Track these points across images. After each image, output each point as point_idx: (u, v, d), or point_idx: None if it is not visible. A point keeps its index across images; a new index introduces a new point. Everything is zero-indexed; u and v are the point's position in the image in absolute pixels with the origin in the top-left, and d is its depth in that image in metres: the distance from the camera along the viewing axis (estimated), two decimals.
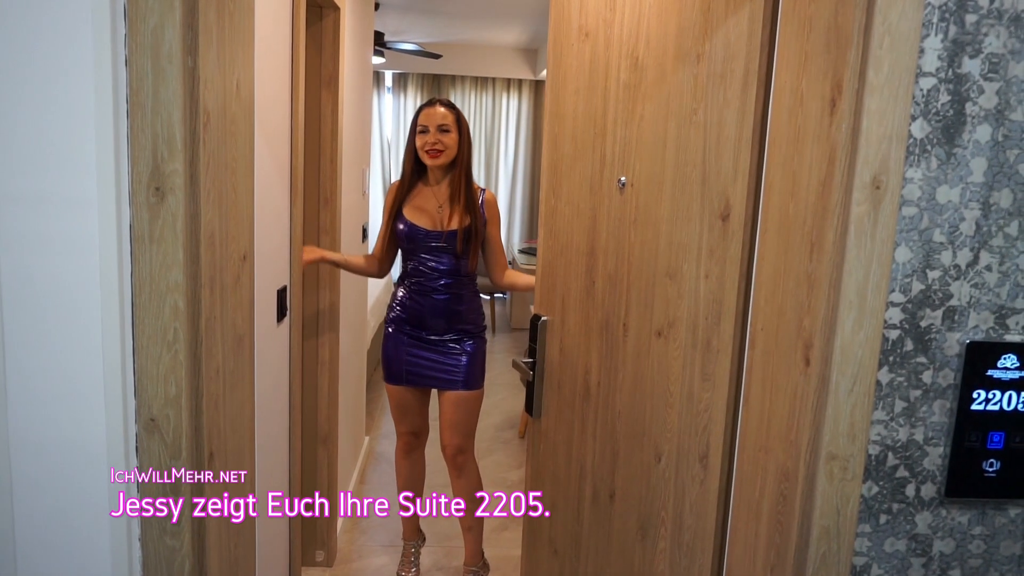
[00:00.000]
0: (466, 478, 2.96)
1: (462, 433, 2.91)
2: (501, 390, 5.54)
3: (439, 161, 2.77)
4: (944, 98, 0.91)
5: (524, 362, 2.02)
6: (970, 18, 0.90)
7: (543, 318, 1.95)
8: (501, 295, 8.48)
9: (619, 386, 1.58)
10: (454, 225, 2.78)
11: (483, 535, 3.12)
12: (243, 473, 1.36)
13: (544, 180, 1.98)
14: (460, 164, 2.82)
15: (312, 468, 3.06)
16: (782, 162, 1.07)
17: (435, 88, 8.39)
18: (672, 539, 1.39)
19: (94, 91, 1.00)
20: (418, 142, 2.78)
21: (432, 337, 2.86)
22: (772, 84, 1.12)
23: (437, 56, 6.35)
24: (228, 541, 1.28)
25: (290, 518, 2.45)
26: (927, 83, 0.91)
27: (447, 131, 2.76)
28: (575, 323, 1.79)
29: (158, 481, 1.10)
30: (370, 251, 3.11)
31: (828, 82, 0.94)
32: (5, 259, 1.04)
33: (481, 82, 8.43)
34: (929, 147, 0.91)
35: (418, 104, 8.32)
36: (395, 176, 8.40)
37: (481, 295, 3.20)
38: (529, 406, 2.03)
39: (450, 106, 2.82)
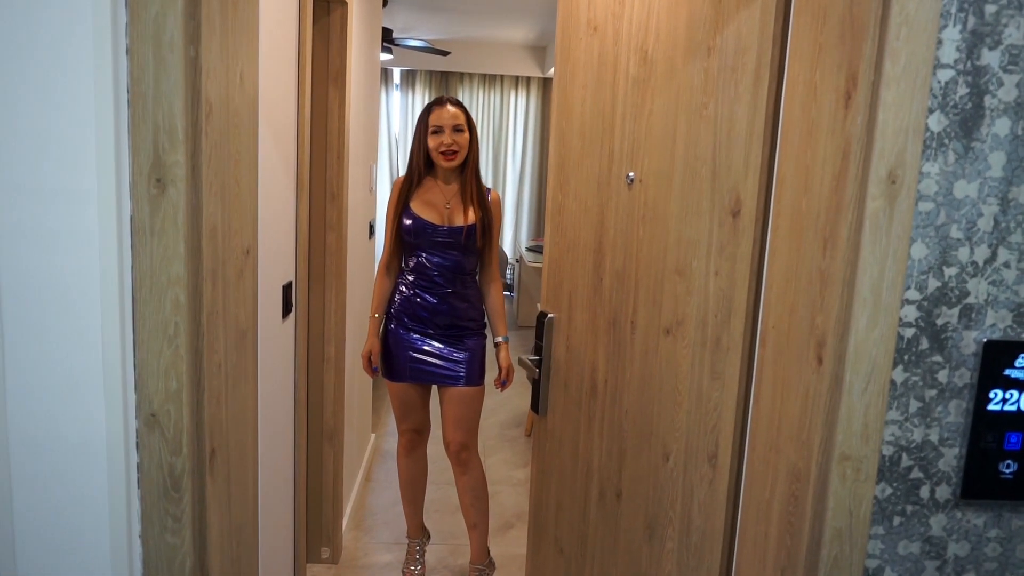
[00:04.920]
0: (470, 475, 2.94)
1: (465, 429, 2.90)
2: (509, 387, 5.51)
3: (455, 162, 2.76)
4: (962, 90, 0.89)
5: (530, 360, 2.01)
6: (989, 8, 0.87)
7: (549, 315, 1.93)
8: (508, 292, 8.46)
9: (626, 384, 1.56)
10: (460, 221, 2.77)
11: (488, 533, 3.11)
12: (246, 470, 1.35)
13: (551, 176, 1.96)
14: (471, 162, 2.81)
15: (318, 465, 3.05)
16: (795, 156, 1.05)
17: (443, 85, 8.37)
18: (680, 539, 1.37)
19: (94, 80, 0.98)
20: (431, 143, 2.76)
21: (433, 333, 2.84)
22: (784, 77, 1.10)
23: (445, 53, 6.33)
24: (230, 539, 1.27)
25: (295, 515, 2.44)
26: (945, 75, 0.88)
27: (461, 131, 2.75)
28: (582, 320, 1.78)
29: (158, 477, 1.09)
30: (378, 249, 3.10)
31: (843, 74, 0.92)
32: (4, 251, 1.02)
33: (489, 79, 8.42)
34: (947, 141, 0.89)
35: (426, 101, 8.32)
36: (403, 173, 8.37)
37: None
38: (535, 404, 2.01)
39: (459, 105, 2.80)
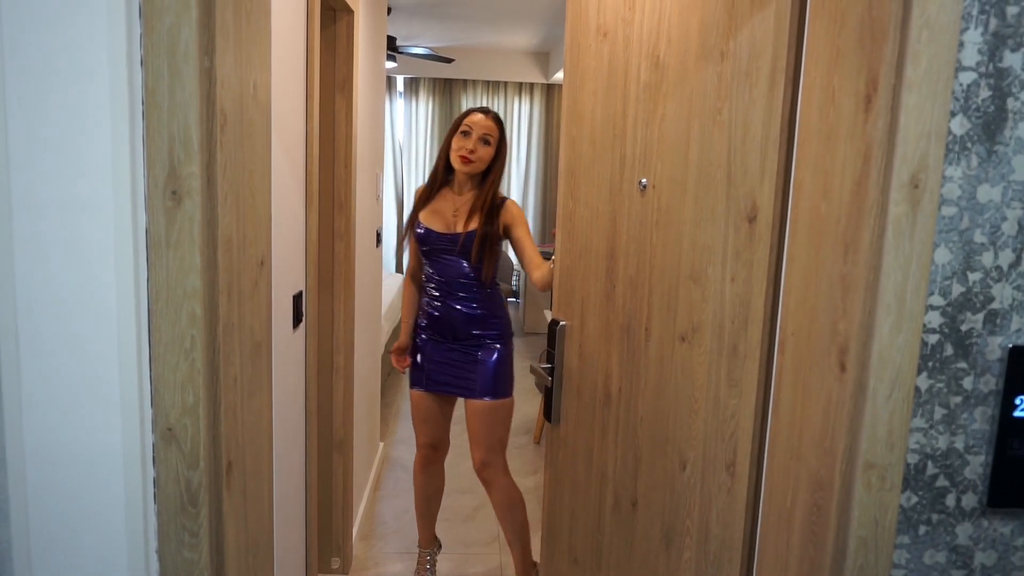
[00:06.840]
0: (496, 493, 2.85)
1: (485, 446, 2.81)
2: (515, 395, 5.49)
3: (467, 169, 2.72)
4: (985, 93, 0.88)
5: (542, 367, 2.00)
6: (1012, 10, 0.86)
7: (562, 323, 1.92)
8: (513, 299, 8.44)
9: (641, 392, 1.55)
10: (461, 228, 2.73)
11: (530, 546, 2.95)
12: (261, 482, 1.34)
13: (562, 183, 1.96)
14: (490, 182, 2.76)
15: (327, 475, 3.04)
16: (813, 161, 1.04)
17: (447, 92, 8.38)
18: (698, 549, 1.35)
19: (109, 92, 0.98)
20: (455, 142, 2.72)
21: (450, 342, 2.82)
22: (800, 81, 1.09)
23: (449, 60, 6.34)
24: (247, 553, 1.26)
25: (306, 525, 2.43)
26: (967, 78, 0.87)
27: (487, 143, 2.71)
28: (595, 328, 1.77)
29: (175, 492, 1.08)
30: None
31: (862, 78, 0.91)
32: (20, 264, 1.02)
33: (493, 86, 8.42)
34: (969, 144, 0.88)
35: (430, 109, 8.33)
36: (407, 181, 8.40)
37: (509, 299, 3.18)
38: (548, 412, 2.00)
39: (498, 120, 2.76)
